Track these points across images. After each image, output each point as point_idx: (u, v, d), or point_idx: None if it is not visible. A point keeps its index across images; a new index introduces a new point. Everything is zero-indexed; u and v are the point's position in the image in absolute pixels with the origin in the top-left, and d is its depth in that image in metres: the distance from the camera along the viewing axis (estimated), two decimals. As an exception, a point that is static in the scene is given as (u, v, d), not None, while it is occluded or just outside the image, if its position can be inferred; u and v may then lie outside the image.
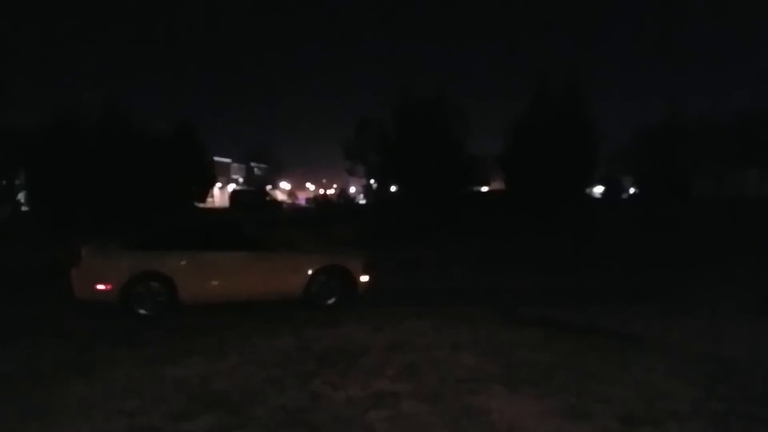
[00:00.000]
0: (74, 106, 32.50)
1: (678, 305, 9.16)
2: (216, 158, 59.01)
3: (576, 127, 30.40)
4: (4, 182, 39.24)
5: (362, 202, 66.23)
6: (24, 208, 38.44)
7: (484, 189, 46.96)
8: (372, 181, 47.18)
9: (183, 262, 8.53)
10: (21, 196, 39.19)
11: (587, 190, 40.79)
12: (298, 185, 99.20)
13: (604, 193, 55.51)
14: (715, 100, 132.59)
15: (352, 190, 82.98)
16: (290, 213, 46.38)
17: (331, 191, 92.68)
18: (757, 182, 46.86)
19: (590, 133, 31.34)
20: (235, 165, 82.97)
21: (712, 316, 8.48)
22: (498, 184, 43.42)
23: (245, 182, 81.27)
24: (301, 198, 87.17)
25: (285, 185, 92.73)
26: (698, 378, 5.61)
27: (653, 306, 9.10)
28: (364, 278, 9.19)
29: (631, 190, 57.46)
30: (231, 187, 73.36)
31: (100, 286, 8.19)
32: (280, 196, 77.80)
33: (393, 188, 38.04)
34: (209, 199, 49.11)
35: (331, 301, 9.08)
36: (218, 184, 60.88)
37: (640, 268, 13.75)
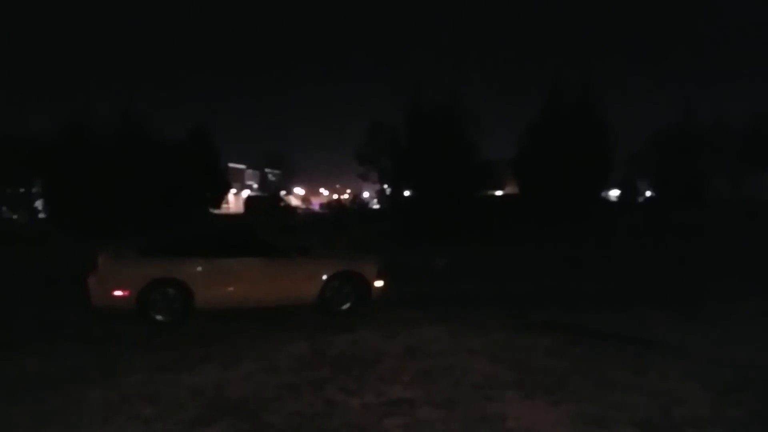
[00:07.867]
0: (89, 114, 32.82)
1: (695, 310, 9.06)
2: (230, 164, 59.48)
3: (591, 130, 30.23)
4: (22, 190, 39.78)
5: (376, 207, 66.18)
6: (41, 215, 38.91)
7: (499, 193, 46.79)
8: (385, 186, 47.09)
9: (199, 269, 8.59)
10: (38, 204, 39.69)
11: (603, 194, 40.30)
12: (312, 191, 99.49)
13: (620, 197, 55.13)
14: (730, 103, 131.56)
15: (366, 195, 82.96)
16: (304, 218, 46.47)
17: (344, 197, 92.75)
18: None
19: (605, 135, 31.19)
20: (249, 171, 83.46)
21: (730, 321, 8.38)
22: (512, 188, 43.21)
23: (259, 188, 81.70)
24: (315, 203, 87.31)
25: (299, 191, 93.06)
26: (716, 384, 5.54)
27: (671, 311, 9.01)
28: (379, 283, 9.19)
29: (647, 193, 56.93)
30: (245, 193, 73.75)
31: (117, 293, 8.26)
32: (294, 202, 78.05)
33: (407, 193, 37.98)
34: (224, 205, 49.41)
35: (345, 306, 9.08)
36: (233, 190, 61.27)
37: (657, 272, 13.62)
